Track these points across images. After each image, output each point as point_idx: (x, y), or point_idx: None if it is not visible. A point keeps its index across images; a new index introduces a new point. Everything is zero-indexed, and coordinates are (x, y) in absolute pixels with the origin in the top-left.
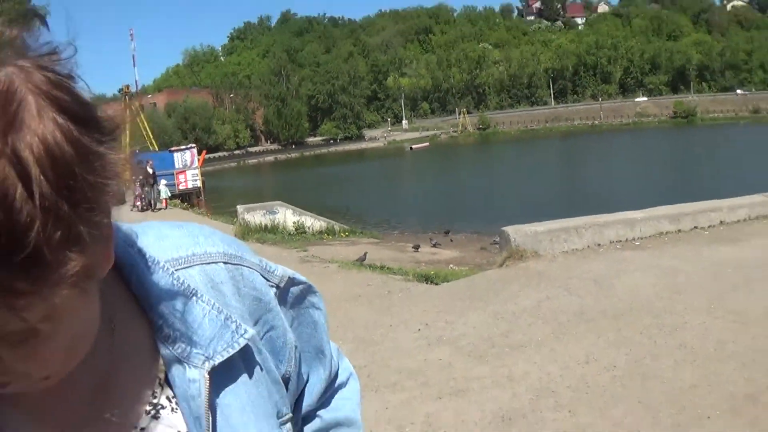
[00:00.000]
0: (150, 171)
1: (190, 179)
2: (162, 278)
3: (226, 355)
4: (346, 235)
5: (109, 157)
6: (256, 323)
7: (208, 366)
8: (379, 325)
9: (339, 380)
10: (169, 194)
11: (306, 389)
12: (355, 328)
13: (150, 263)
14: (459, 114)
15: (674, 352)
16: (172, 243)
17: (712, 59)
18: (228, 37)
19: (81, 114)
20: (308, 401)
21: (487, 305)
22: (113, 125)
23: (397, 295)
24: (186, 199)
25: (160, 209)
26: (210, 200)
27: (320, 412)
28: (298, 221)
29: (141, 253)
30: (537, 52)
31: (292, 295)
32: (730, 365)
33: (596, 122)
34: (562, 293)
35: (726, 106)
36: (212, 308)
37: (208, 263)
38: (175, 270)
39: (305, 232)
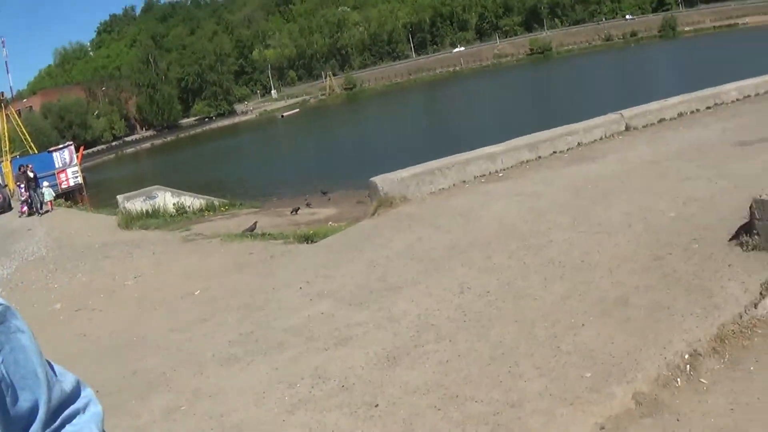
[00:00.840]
0: (30, 175)
1: (72, 177)
2: None
3: None
4: (226, 209)
5: None
6: None
7: None
8: (262, 290)
9: (75, 406)
10: (54, 195)
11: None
12: (240, 296)
13: None
14: (325, 77)
15: (543, 270)
16: None
17: None
18: (95, 31)
19: None
20: (35, 427)
21: (362, 254)
22: None
23: (278, 259)
24: (70, 197)
25: (47, 212)
26: (93, 195)
27: None
28: (177, 202)
29: None
30: (395, 9)
31: None
32: (597, 273)
33: (457, 68)
34: (432, 232)
35: (579, 38)
36: None
37: None
38: None
39: (186, 212)
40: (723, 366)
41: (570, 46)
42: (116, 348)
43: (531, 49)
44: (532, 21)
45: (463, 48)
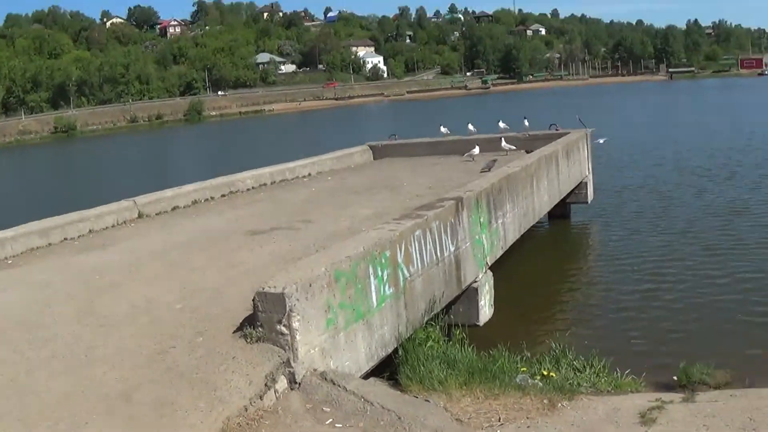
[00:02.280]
0: None
1: None
2: None
3: None
4: None
5: None
6: None
7: None
8: None
9: None
10: None
11: None
12: None
13: None
14: None
15: (47, 365)
16: None
17: (91, 74)
18: None
19: None
20: None
21: None
22: None
23: None
24: None
25: None
26: None
27: None
28: None
29: None
30: None
31: None
32: (101, 368)
33: None
34: None
35: (105, 118)
36: None
37: None
38: None
39: None
40: None
41: (95, 126)
42: None
43: (56, 127)
44: (59, 98)
45: None
